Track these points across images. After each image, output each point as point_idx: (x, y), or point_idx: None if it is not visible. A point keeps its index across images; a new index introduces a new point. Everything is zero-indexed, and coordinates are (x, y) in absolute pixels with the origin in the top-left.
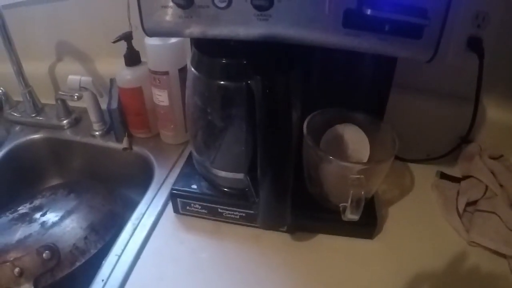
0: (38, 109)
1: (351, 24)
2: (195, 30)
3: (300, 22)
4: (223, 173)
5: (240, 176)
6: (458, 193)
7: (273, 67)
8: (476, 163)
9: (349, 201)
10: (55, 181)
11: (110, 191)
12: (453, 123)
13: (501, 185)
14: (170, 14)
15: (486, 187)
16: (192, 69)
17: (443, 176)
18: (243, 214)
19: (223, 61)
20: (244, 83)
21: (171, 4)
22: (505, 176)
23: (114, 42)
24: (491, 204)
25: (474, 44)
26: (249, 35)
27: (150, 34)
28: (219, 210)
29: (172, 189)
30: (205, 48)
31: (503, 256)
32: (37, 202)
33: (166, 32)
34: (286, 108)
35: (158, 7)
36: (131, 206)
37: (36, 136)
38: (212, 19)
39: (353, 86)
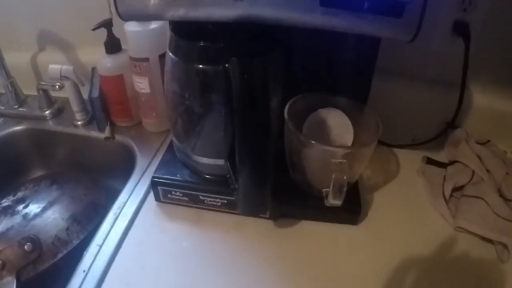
0: (21, 100)
1: (328, 2)
2: (171, 13)
3: (277, 2)
4: (203, 160)
5: (220, 162)
6: (444, 178)
7: (251, 50)
8: (462, 148)
9: (331, 186)
10: (38, 173)
11: (92, 181)
12: (439, 109)
13: (488, 171)
14: None
15: (473, 172)
16: (170, 53)
17: (429, 161)
18: (225, 201)
19: (201, 44)
20: (221, 66)
21: None
22: (492, 161)
23: (93, 29)
24: (477, 189)
25: (460, 29)
26: (226, 17)
27: (125, 18)
28: (201, 197)
29: (153, 177)
30: (183, 32)
31: (490, 241)
32: (20, 194)
33: (141, 15)
34: (263, 91)
35: None
36: (114, 196)
37: (18, 127)
38: (188, 1)
39: (336, 70)
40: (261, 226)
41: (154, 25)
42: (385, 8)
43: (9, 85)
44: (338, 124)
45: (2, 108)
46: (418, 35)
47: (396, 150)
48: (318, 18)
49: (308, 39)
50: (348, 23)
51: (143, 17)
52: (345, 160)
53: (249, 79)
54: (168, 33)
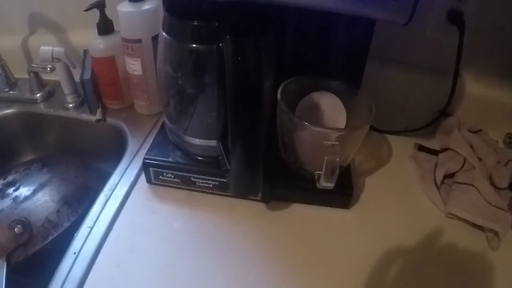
0: (11, 83)
1: None
2: None
3: None
4: (196, 141)
5: (213, 143)
6: (436, 165)
7: (244, 29)
8: (454, 136)
9: (324, 169)
10: (29, 156)
11: (83, 164)
12: (432, 96)
13: (479, 159)
14: None
15: (464, 160)
16: (163, 33)
17: (421, 148)
18: (217, 183)
19: (194, 23)
20: (215, 46)
21: None
22: (483, 149)
23: (86, 10)
24: (469, 177)
25: (455, 18)
26: None
27: None
28: (192, 179)
29: (144, 158)
30: (176, 11)
31: (481, 228)
32: (10, 177)
33: None
34: (256, 71)
35: None
36: (105, 179)
37: (9, 111)
38: None
39: (330, 53)
40: (252, 208)
41: (147, 6)
42: None
43: None
44: (331, 107)
45: None
46: (414, 23)
47: (388, 137)
48: None
49: (302, 22)
50: (344, 3)
51: None
52: (337, 143)
53: (242, 58)
54: (161, 14)
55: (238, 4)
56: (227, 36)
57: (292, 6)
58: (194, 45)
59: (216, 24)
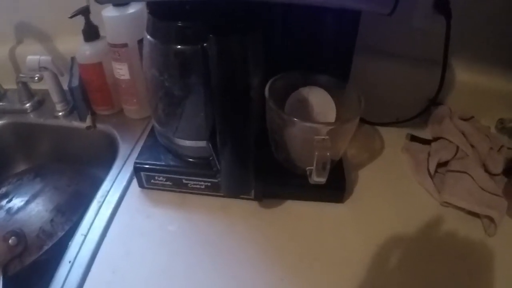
0: (0, 94)
1: None
2: None
3: None
4: (185, 142)
5: (202, 144)
6: (428, 154)
7: (228, 27)
8: (446, 125)
9: (315, 164)
10: (22, 167)
11: (76, 172)
12: (422, 86)
13: (472, 146)
14: None
15: (457, 148)
16: (148, 36)
17: (413, 138)
18: (209, 184)
19: (178, 24)
20: (199, 46)
21: None
22: (475, 137)
23: (71, 17)
24: (462, 164)
25: (441, 6)
26: None
27: (101, 0)
28: (184, 181)
29: (135, 162)
30: (160, 13)
31: (477, 215)
32: (3, 189)
33: None
34: (242, 69)
35: None
36: (98, 185)
37: None
38: None
39: (317, 48)
40: (246, 207)
41: (131, 9)
42: None
43: None
44: (320, 102)
45: None
46: (401, 13)
47: (380, 128)
48: None
49: (289, 17)
50: None
51: None
52: (327, 137)
53: (227, 57)
54: (146, 18)
55: (222, 3)
56: (211, 36)
57: (275, 2)
58: (179, 46)
59: (200, 24)
